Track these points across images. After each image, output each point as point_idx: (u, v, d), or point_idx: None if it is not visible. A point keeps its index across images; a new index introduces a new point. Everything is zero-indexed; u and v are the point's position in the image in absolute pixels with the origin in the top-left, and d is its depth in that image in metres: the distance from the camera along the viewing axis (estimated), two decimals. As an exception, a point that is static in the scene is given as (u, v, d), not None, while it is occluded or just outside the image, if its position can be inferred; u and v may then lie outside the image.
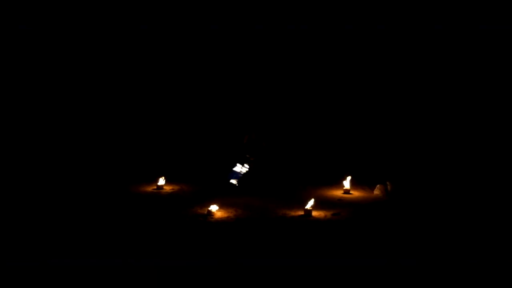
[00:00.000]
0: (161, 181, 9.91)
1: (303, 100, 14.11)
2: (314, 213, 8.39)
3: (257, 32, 14.08)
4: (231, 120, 13.53)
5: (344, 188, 9.97)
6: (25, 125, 12.76)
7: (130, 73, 14.11)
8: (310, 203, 8.45)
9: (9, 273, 5.85)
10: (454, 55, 13.54)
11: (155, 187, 9.86)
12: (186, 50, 14.33)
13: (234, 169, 9.97)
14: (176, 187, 9.98)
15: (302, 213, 8.39)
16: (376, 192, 9.90)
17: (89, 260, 6.21)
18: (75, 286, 5.69)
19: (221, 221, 7.97)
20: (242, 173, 9.94)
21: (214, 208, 8.29)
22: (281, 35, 14.14)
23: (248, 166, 9.89)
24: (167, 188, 9.91)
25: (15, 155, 11.40)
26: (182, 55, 14.31)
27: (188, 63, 14.30)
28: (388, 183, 9.81)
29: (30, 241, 6.83)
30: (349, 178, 10.08)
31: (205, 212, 8.26)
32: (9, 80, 13.15)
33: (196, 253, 6.59)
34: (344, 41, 14.12)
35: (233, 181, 9.92)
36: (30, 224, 7.50)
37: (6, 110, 12.73)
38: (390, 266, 6.35)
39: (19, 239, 6.87)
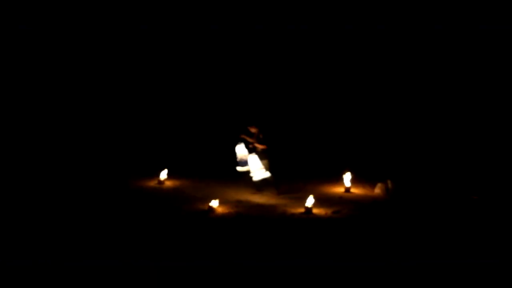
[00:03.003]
0: (163, 175, 9.95)
1: (304, 97, 14.13)
2: (315, 211, 8.42)
3: (257, 32, 14.11)
4: (232, 115, 13.57)
5: (345, 186, 10.00)
6: (26, 120, 12.82)
7: (132, 68, 14.16)
8: (309, 201, 8.47)
9: (8, 273, 5.86)
10: (454, 55, 13.53)
11: (157, 182, 9.91)
12: (187, 48, 14.38)
13: (240, 155, 9.57)
14: (177, 183, 10.03)
15: (302, 210, 8.43)
16: (377, 190, 9.92)
17: (88, 259, 6.24)
18: (74, 285, 5.71)
19: (221, 217, 8.01)
20: (247, 159, 9.49)
21: (215, 204, 8.33)
22: (281, 35, 14.17)
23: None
24: (169, 183, 9.96)
25: (15, 150, 11.44)
26: (182, 52, 14.35)
27: (189, 60, 14.35)
28: (389, 181, 9.83)
29: (29, 239, 6.83)
30: (350, 176, 10.10)
31: (206, 208, 8.31)
32: (9, 80, 13.19)
33: (196, 250, 6.62)
34: (344, 40, 14.13)
35: (241, 168, 9.60)
36: (28, 221, 7.51)
37: (6, 109, 12.78)
38: (389, 266, 6.37)
39: (18, 238, 6.87)
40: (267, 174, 9.42)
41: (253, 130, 9.58)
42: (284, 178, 10.02)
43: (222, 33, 14.27)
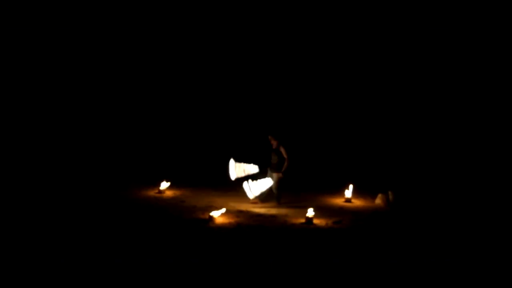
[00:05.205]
0: (163, 185, 9.94)
1: (305, 107, 14.17)
2: (315, 221, 8.40)
3: (257, 33, 14.15)
4: (234, 125, 13.59)
5: (346, 196, 9.98)
6: (25, 127, 12.80)
7: (136, 77, 14.19)
8: (310, 212, 8.44)
9: (10, 274, 5.85)
10: (454, 56, 13.56)
11: (157, 191, 9.89)
12: (189, 53, 14.40)
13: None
14: (178, 192, 10.01)
15: (303, 220, 8.40)
16: (378, 201, 9.91)
17: (85, 266, 6.21)
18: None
19: (222, 227, 7.97)
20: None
21: (215, 213, 8.30)
22: (281, 38, 14.22)
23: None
24: (169, 192, 9.93)
25: (16, 159, 11.42)
26: (185, 58, 14.37)
27: (192, 68, 14.38)
28: (389, 192, 9.82)
29: (27, 243, 6.81)
30: (350, 186, 10.09)
31: (207, 217, 8.27)
32: (9, 81, 13.19)
33: (195, 258, 6.59)
34: (344, 53, 14.20)
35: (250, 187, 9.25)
36: (29, 227, 7.49)
37: (6, 112, 12.77)
38: (390, 276, 6.35)
39: (18, 241, 6.86)
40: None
41: (272, 141, 9.47)
42: (285, 189, 9.98)
43: (227, 40, 14.32)
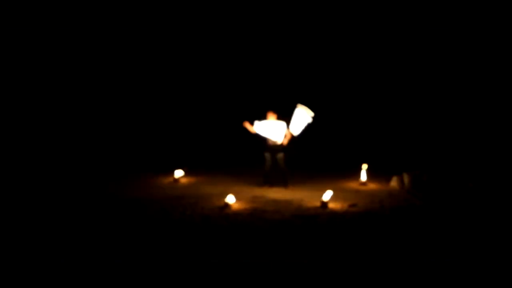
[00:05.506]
0: (178, 173, 10.00)
1: (319, 92, 14.11)
2: (331, 205, 8.40)
3: (258, 32, 14.13)
4: (247, 112, 13.60)
5: (361, 179, 9.97)
6: (36, 123, 12.92)
7: (148, 67, 14.24)
8: (327, 194, 8.44)
9: (10, 273, 5.88)
10: (460, 53, 13.45)
11: (173, 179, 9.95)
12: (200, 48, 14.42)
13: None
14: (193, 179, 10.06)
15: (318, 204, 8.40)
16: (393, 183, 9.88)
17: (99, 254, 6.29)
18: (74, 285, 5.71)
19: (237, 213, 8.01)
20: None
21: (231, 199, 8.34)
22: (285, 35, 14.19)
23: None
24: (184, 180, 9.99)
25: (25, 153, 11.56)
26: (196, 52, 14.39)
27: (200, 59, 14.40)
28: (404, 174, 9.77)
29: (28, 242, 6.85)
30: (365, 169, 10.07)
31: (222, 204, 8.31)
32: (9, 80, 13.28)
33: (209, 245, 6.63)
34: (358, 38, 14.10)
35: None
36: (33, 218, 7.58)
37: (7, 111, 12.88)
38: (409, 262, 6.33)
39: (21, 235, 6.89)
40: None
41: (272, 115, 9.54)
42: (299, 172, 10.00)
43: (235, 33, 14.31)
